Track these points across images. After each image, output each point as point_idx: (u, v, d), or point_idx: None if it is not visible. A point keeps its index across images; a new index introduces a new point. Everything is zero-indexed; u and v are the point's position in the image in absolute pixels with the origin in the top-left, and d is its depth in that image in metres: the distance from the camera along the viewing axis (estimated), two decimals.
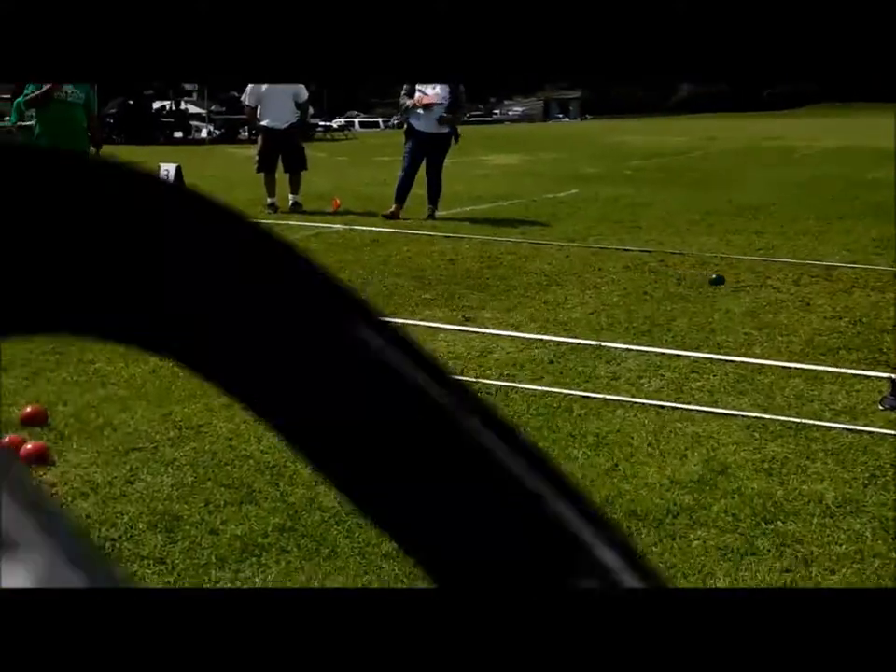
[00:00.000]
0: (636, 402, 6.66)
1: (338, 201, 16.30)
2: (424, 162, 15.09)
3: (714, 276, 10.38)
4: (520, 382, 7.11)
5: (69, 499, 5.16)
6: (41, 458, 5.56)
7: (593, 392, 6.87)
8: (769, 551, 4.66)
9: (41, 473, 5.45)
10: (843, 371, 7.37)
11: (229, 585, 4.34)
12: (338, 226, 14.15)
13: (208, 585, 4.34)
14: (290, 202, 15.83)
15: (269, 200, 15.80)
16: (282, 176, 15.95)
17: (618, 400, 6.69)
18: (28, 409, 6.28)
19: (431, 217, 14.95)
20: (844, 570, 4.46)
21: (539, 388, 6.94)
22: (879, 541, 4.72)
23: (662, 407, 6.57)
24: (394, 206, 15.16)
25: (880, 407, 6.53)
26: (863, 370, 7.39)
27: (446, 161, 15.74)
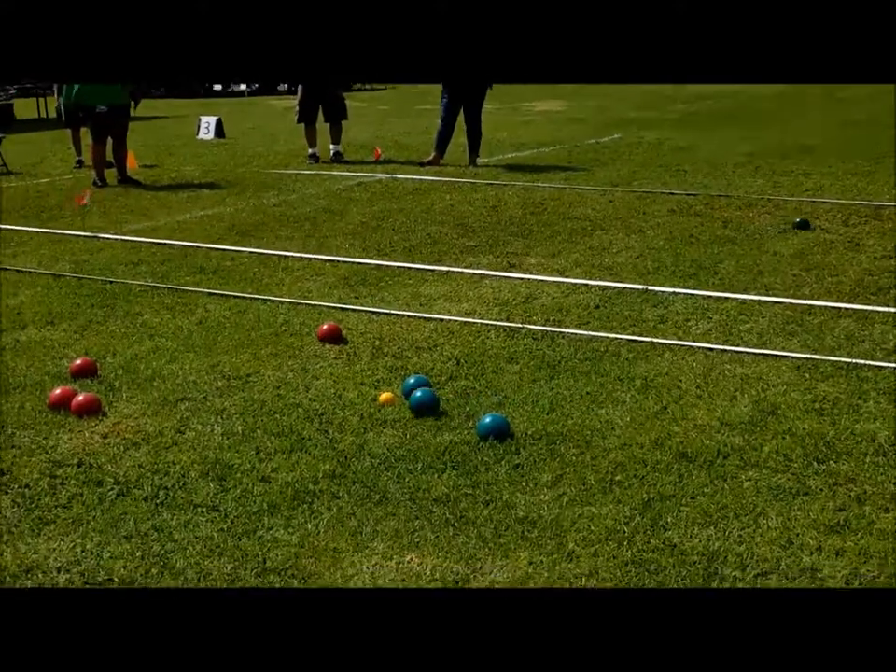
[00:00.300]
0: (683, 345, 6.61)
1: (379, 150, 16.25)
2: (462, 111, 14.95)
3: (798, 220, 10.16)
4: (566, 327, 7.07)
5: (121, 449, 5.21)
6: (92, 409, 5.61)
7: (640, 336, 6.82)
8: (822, 490, 4.62)
9: (93, 424, 5.50)
10: (894, 310, 7.28)
11: (281, 531, 4.37)
12: (380, 175, 14.11)
13: (261, 532, 4.37)
14: (332, 151, 15.79)
15: (310, 150, 15.78)
16: (322, 127, 15.90)
17: (665, 343, 6.65)
18: (78, 361, 6.32)
19: (473, 164, 14.85)
20: None
21: (586, 333, 6.91)
22: None
23: (710, 349, 6.52)
24: (433, 154, 15.08)
25: None
26: None
27: (488, 107, 15.60)
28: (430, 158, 15.04)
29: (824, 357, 6.28)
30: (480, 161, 15.09)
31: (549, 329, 7.02)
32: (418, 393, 5.65)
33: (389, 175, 14.01)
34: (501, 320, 7.26)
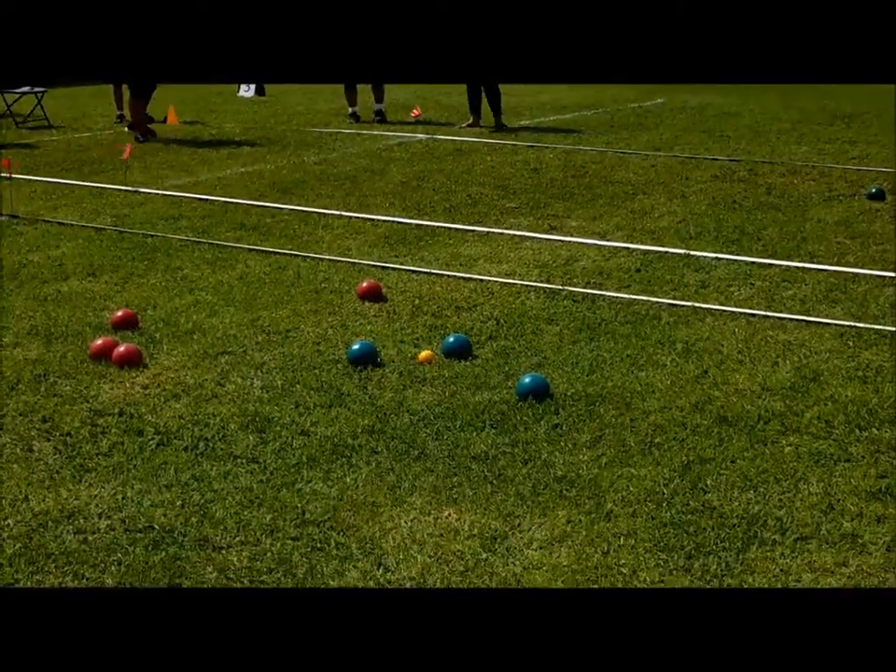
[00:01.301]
0: (725, 310, 6.56)
1: (418, 109, 16.16)
2: None
3: (873, 189, 9.92)
4: (607, 290, 7.04)
5: (162, 400, 5.23)
6: (133, 361, 5.63)
7: (681, 300, 6.78)
8: (863, 457, 4.58)
9: (134, 375, 5.53)
10: None
11: (320, 484, 4.38)
12: (420, 135, 14.04)
13: (300, 484, 4.39)
14: (375, 110, 15.67)
15: (350, 109, 15.69)
16: (362, 86, 15.80)
17: (707, 308, 6.60)
18: (119, 313, 6.35)
19: (500, 126, 14.62)
20: None
21: (627, 296, 6.87)
22: None
23: (752, 315, 6.47)
24: (471, 118, 14.93)
25: None
26: None
27: None
28: (469, 122, 14.91)
29: (868, 326, 6.22)
30: (521, 123, 14.93)
31: (589, 291, 6.99)
32: (451, 339, 5.87)
33: (429, 136, 13.95)
34: (541, 282, 7.23)
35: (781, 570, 3.74)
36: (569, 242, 8.35)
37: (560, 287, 7.06)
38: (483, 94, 14.71)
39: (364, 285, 6.93)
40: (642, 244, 8.26)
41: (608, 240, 8.41)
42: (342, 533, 4.04)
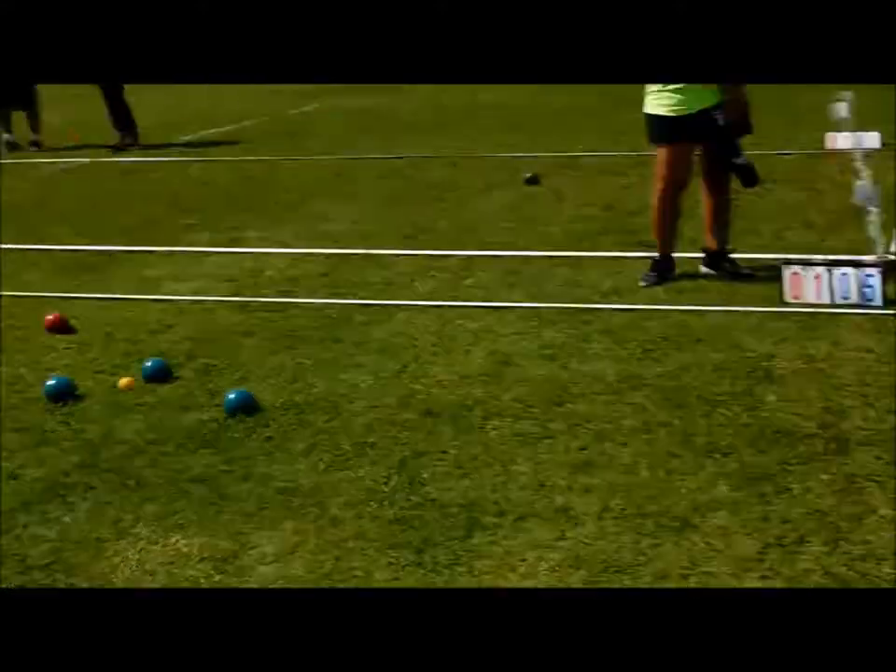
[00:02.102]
0: (414, 305, 6.78)
1: (76, 134, 15.61)
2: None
3: (528, 175, 10.41)
4: (297, 297, 7.12)
5: None
6: None
7: (370, 299, 6.95)
8: (563, 432, 4.88)
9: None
10: (602, 254, 7.69)
11: (38, 528, 4.27)
12: (84, 159, 13.63)
13: (17, 531, 4.26)
14: (30, 140, 14.88)
15: (6, 137, 14.85)
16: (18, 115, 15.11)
17: (396, 305, 6.81)
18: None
19: (119, 147, 14.25)
20: (636, 443, 4.72)
21: (318, 301, 6.99)
22: (662, 411, 5.02)
23: (439, 307, 6.71)
24: (119, 136, 14.42)
25: (641, 284, 6.89)
26: (620, 251, 7.71)
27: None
28: (118, 142, 14.37)
29: (546, 305, 6.58)
30: (179, 140, 14.70)
31: (281, 300, 7.06)
32: (148, 363, 5.85)
33: (92, 160, 13.57)
34: (232, 295, 7.25)
35: (506, 552, 3.94)
36: (252, 253, 8.39)
37: (250, 299, 7.10)
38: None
39: (49, 317, 6.74)
40: (323, 247, 8.39)
41: (290, 247, 8.50)
42: (69, 574, 3.97)
